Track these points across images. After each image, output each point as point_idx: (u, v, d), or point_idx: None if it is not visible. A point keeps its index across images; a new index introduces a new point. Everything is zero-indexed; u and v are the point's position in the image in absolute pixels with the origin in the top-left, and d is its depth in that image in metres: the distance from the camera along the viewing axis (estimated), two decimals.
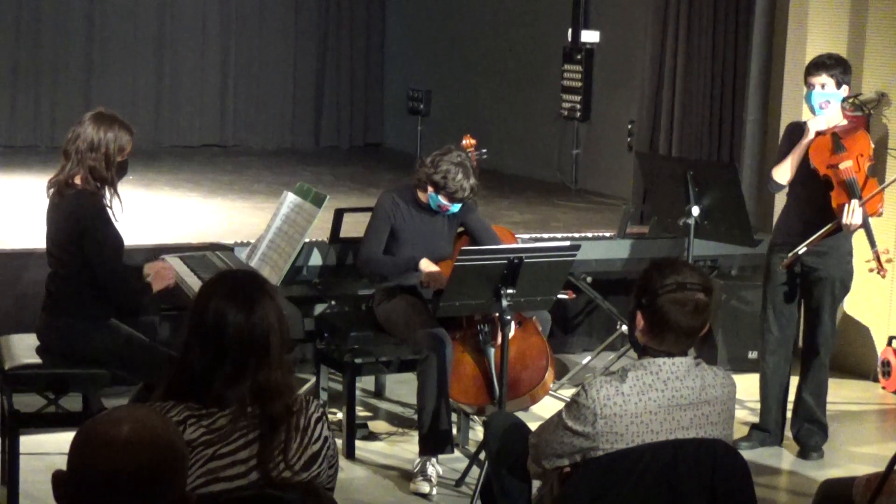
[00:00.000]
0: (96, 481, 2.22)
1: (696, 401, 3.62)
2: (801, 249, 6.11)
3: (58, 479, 2.27)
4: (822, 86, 6.13)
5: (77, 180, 5.30)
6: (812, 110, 6.22)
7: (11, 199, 8.96)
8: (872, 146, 6.24)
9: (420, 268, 6.05)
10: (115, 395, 5.92)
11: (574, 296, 7.53)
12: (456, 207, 6.06)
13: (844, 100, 6.30)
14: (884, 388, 7.57)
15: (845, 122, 6.32)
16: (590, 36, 10.61)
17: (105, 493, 2.22)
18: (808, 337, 6.37)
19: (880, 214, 6.20)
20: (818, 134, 6.16)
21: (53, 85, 12.06)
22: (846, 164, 6.05)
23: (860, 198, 6.01)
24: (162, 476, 2.25)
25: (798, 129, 6.28)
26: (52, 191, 5.38)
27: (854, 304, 7.82)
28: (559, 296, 7.48)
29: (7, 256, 6.81)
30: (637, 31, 9.67)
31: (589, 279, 7.66)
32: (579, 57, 10.65)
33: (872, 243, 6.07)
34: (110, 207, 5.35)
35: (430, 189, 6.03)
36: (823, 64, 6.17)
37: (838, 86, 6.14)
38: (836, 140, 6.11)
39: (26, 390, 5.54)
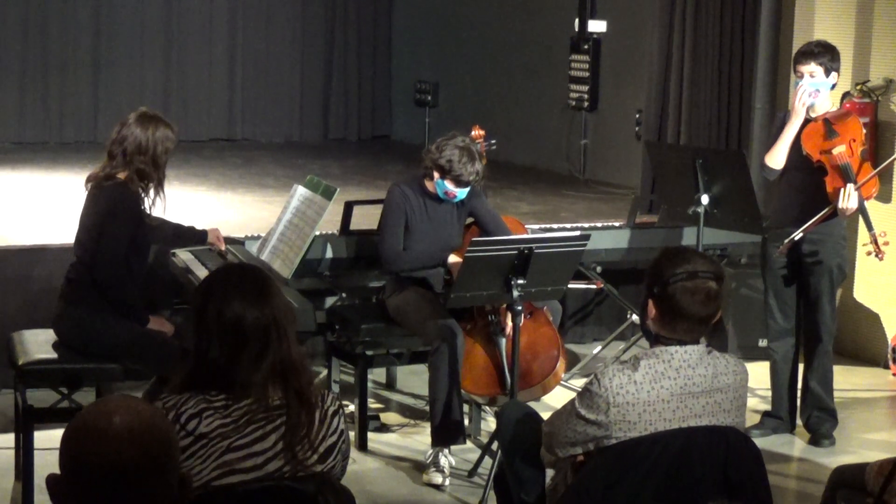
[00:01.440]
0: (89, 473, 2.22)
1: (709, 388, 3.63)
2: (798, 235, 6.11)
3: (52, 482, 2.27)
4: (811, 74, 6.12)
5: (120, 176, 5.35)
6: None
7: (21, 195, 8.97)
8: (864, 131, 6.24)
9: (449, 262, 6.05)
10: (128, 389, 5.94)
11: (602, 285, 7.57)
12: (463, 193, 6.05)
13: (851, 87, 6.31)
14: (894, 374, 7.57)
15: (836, 108, 6.32)
16: (597, 26, 10.61)
17: (98, 484, 2.22)
18: (808, 325, 6.36)
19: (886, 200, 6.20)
20: (809, 120, 6.16)
21: (62, 81, 12.07)
22: (839, 150, 6.05)
23: (855, 182, 6.02)
24: (154, 465, 2.25)
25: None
26: (90, 184, 5.43)
27: (864, 291, 7.82)
28: (589, 286, 7.55)
29: (18, 252, 6.82)
30: (644, 20, 9.66)
31: (599, 269, 7.66)
32: (586, 47, 10.66)
33: (869, 227, 6.07)
34: (153, 206, 5.40)
35: (436, 175, 6.03)
36: (811, 52, 6.15)
37: (827, 73, 6.13)
38: (828, 126, 6.11)
39: (40, 385, 5.57)
